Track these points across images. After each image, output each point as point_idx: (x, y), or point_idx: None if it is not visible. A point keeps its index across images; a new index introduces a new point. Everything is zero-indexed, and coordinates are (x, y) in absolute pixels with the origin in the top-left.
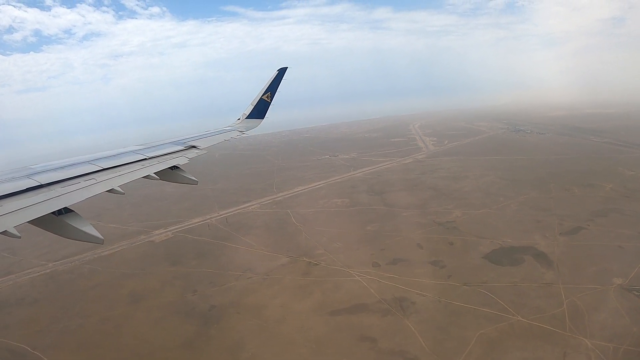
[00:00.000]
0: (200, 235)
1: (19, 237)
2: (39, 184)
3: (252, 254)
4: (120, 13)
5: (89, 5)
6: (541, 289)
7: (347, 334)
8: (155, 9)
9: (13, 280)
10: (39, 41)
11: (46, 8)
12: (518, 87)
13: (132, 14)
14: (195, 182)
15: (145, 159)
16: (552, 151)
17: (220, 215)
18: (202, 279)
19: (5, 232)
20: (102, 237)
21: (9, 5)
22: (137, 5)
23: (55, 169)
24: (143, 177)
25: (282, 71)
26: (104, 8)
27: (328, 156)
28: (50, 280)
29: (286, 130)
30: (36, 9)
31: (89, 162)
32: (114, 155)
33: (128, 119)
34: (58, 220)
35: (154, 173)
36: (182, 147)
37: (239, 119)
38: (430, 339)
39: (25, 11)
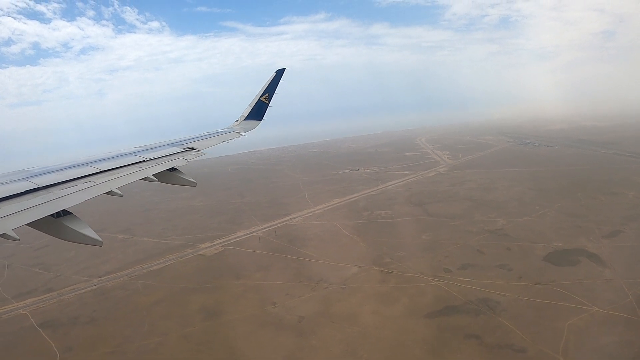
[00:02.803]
0: (254, 248)
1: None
2: (37, 186)
3: (318, 265)
4: (119, 27)
5: (89, 18)
6: (605, 284)
7: (451, 334)
8: (155, 24)
9: (57, 298)
10: (37, 54)
11: (46, 21)
12: (510, 100)
13: (132, 28)
14: (194, 184)
15: (144, 161)
16: (566, 162)
17: (265, 229)
18: (275, 291)
19: (4, 235)
20: (101, 240)
21: (9, 17)
22: (137, 19)
23: (53, 172)
24: (141, 179)
25: (280, 72)
26: (104, 22)
27: (349, 170)
28: (101, 297)
29: (291, 145)
30: (36, 22)
31: (86, 164)
32: (112, 157)
33: (123, 134)
34: (56, 222)
35: (152, 175)
36: (180, 149)
37: (237, 120)
38: (527, 332)
39: (25, 23)
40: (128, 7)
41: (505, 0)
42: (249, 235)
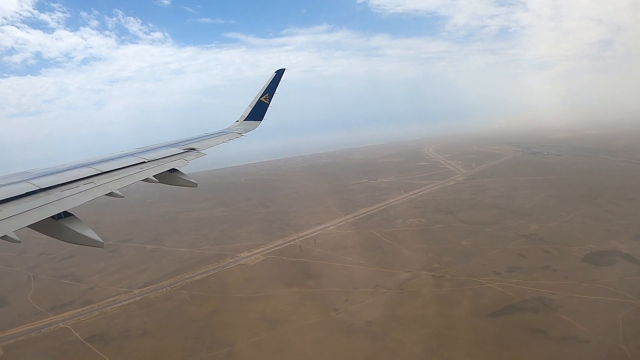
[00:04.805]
0: (297, 257)
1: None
2: (38, 188)
3: (368, 272)
4: (122, 38)
5: (92, 28)
6: None
7: (517, 330)
8: (158, 34)
9: (98, 310)
10: (38, 64)
11: (49, 30)
12: (509, 110)
13: (134, 39)
14: (194, 185)
15: (144, 162)
16: (579, 170)
17: (301, 237)
18: (333, 298)
19: (5, 237)
20: (102, 241)
21: (12, 25)
22: (140, 30)
23: (53, 173)
24: (142, 180)
25: (279, 73)
26: (107, 32)
27: (367, 180)
28: (149, 309)
29: (298, 156)
30: (39, 31)
31: (87, 165)
32: (112, 159)
33: (122, 144)
34: (57, 224)
35: (153, 176)
36: (180, 150)
37: (237, 121)
38: (586, 324)
39: (28, 32)
40: (132, 18)
41: (504, 11)
42: (286, 245)
